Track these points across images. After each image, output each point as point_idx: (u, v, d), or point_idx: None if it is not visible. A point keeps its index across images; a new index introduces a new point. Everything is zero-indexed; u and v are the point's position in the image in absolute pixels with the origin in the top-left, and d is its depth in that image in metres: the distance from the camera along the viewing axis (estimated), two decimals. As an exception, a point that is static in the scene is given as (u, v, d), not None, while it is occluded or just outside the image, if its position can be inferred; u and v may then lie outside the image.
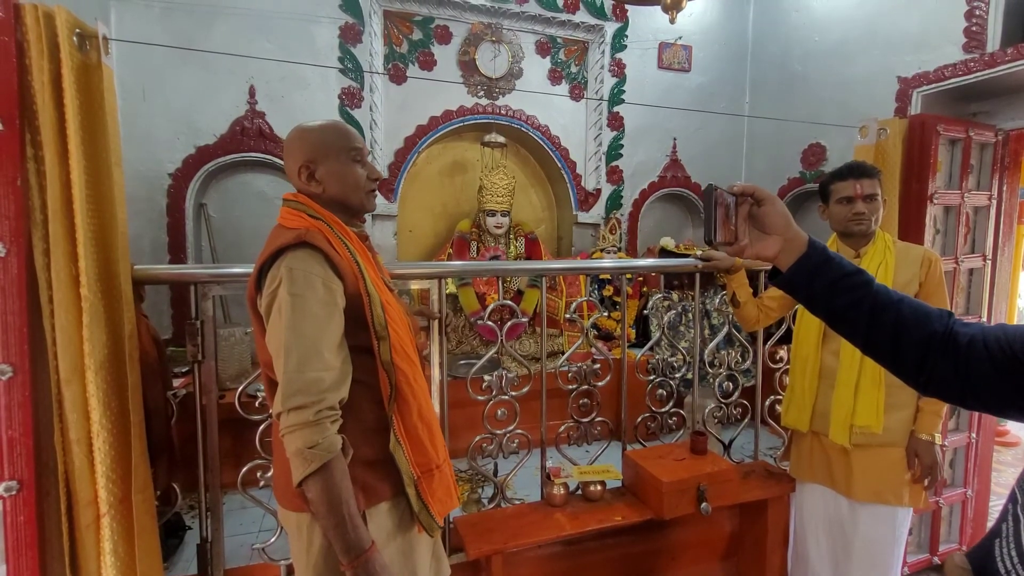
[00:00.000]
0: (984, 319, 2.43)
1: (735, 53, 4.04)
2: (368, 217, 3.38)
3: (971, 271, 2.43)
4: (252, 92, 3.09)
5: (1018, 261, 3.43)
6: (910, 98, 2.62)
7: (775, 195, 0.72)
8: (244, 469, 1.51)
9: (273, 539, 1.52)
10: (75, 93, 1.18)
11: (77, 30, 1.20)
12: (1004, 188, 2.44)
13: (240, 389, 1.55)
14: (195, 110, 3.01)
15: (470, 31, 3.50)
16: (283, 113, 3.13)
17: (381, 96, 3.36)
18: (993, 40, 2.31)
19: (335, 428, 0.92)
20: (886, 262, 1.57)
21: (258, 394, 1.42)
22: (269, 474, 1.20)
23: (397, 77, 3.40)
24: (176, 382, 2.31)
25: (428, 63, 3.46)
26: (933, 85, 2.52)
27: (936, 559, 2.37)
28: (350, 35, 3.23)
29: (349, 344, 0.99)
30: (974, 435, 2.41)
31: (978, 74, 2.31)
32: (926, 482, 1.57)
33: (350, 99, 3.27)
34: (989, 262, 2.42)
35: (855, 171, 1.58)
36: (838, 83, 3.20)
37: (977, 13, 2.37)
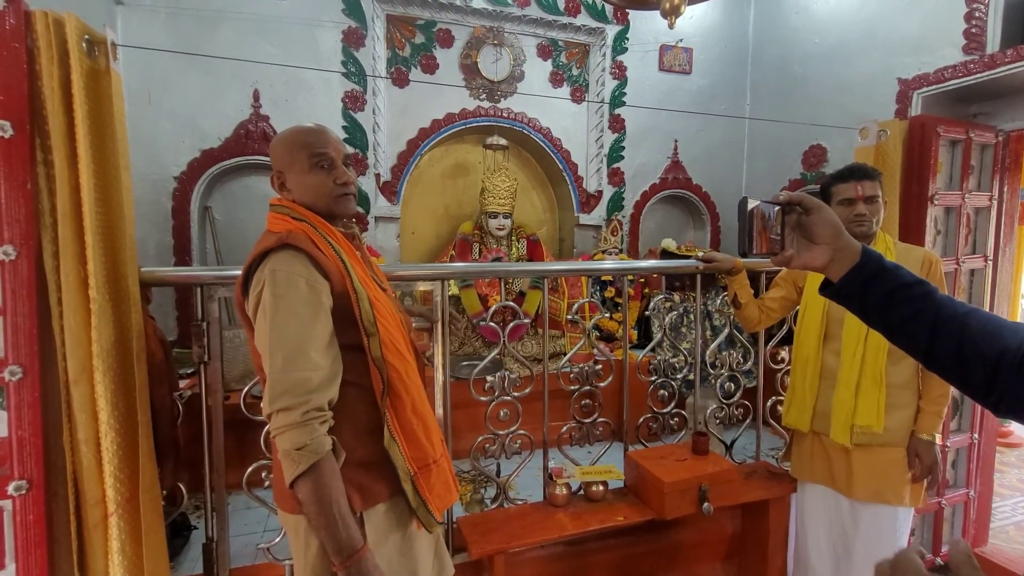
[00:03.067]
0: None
1: (736, 55, 4.05)
2: (371, 219, 3.40)
3: (972, 272, 2.43)
4: (256, 96, 3.11)
5: (1019, 262, 3.43)
6: (910, 100, 2.63)
7: (825, 204, 0.70)
8: (249, 469, 1.52)
9: (278, 539, 1.53)
10: (84, 98, 1.20)
11: (86, 36, 1.22)
12: (1005, 189, 2.45)
13: (245, 390, 1.57)
14: (200, 114, 3.04)
15: (472, 35, 3.52)
16: (287, 116, 3.15)
17: (384, 99, 3.38)
18: (992, 41, 2.32)
19: (324, 429, 0.92)
20: (887, 263, 1.57)
21: (262, 395, 1.43)
22: (272, 474, 1.22)
23: (399, 80, 3.42)
24: (182, 383, 2.32)
25: (430, 66, 3.48)
26: (933, 87, 2.53)
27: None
28: (353, 39, 3.25)
29: (340, 343, 0.99)
30: (976, 436, 2.41)
31: (978, 75, 2.32)
32: (926, 482, 1.58)
33: (353, 102, 3.30)
34: (990, 263, 2.42)
35: (856, 173, 1.59)
36: (838, 85, 3.21)
37: (976, 15, 2.38)
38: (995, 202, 2.42)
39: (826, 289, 0.72)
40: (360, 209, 3.34)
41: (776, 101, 3.78)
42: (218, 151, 3.07)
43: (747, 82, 4.09)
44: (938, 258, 1.60)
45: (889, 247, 1.61)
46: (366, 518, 1.00)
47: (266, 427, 1.51)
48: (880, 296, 0.66)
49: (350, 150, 2.98)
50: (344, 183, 1.08)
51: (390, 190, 3.46)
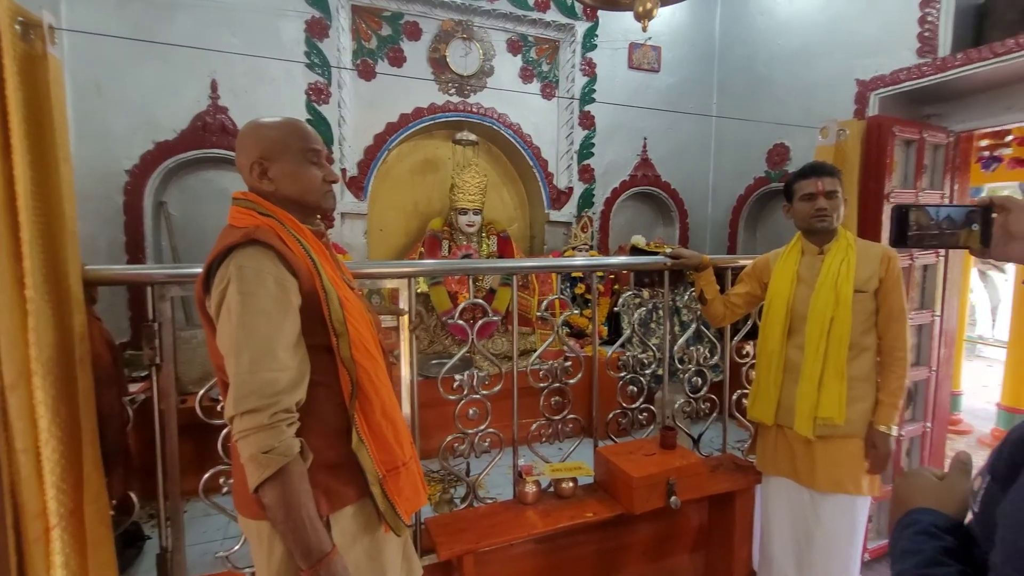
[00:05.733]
0: (938, 313, 2.53)
1: (703, 54, 4.11)
2: (337, 216, 3.32)
3: (925, 267, 2.53)
4: (214, 86, 2.99)
5: (968, 258, 3.60)
6: (868, 100, 2.72)
7: (1022, 203, 0.80)
8: (206, 475, 1.46)
9: (238, 546, 1.48)
10: (18, 84, 1.12)
11: (20, 18, 1.14)
12: (955, 188, 2.56)
13: (201, 393, 1.50)
14: (154, 105, 2.90)
15: (440, 28, 3.47)
16: (247, 108, 3.04)
17: (350, 92, 3.30)
18: (944, 45, 2.41)
19: (292, 431, 0.90)
20: (848, 259, 1.62)
21: (220, 397, 1.38)
22: (232, 480, 1.17)
23: (366, 73, 3.35)
24: (135, 387, 2.22)
25: (398, 59, 3.41)
26: (889, 88, 2.61)
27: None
28: (317, 29, 3.16)
29: (307, 343, 0.96)
30: (928, 424, 2.52)
31: (931, 78, 2.41)
32: (879, 470, 1.63)
33: (317, 95, 3.21)
34: (941, 259, 2.53)
35: (816, 170, 1.63)
36: (801, 85, 3.29)
37: (929, 19, 2.47)
38: (946, 200, 2.52)
39: None
40: (326, 205, 3.25)
41: (742, 100, 3.85)
42: (173, 144, 2.94)
43: (714, 81, 4.16)
44: (896, 254, 1.66)
45: (850, 243, 1.65)
46: (333, 522, 0.99)
47: (225, 431, 1.47)
48: None
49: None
50: (333, 181, 1.09)
51: (357, 186, 3.39)
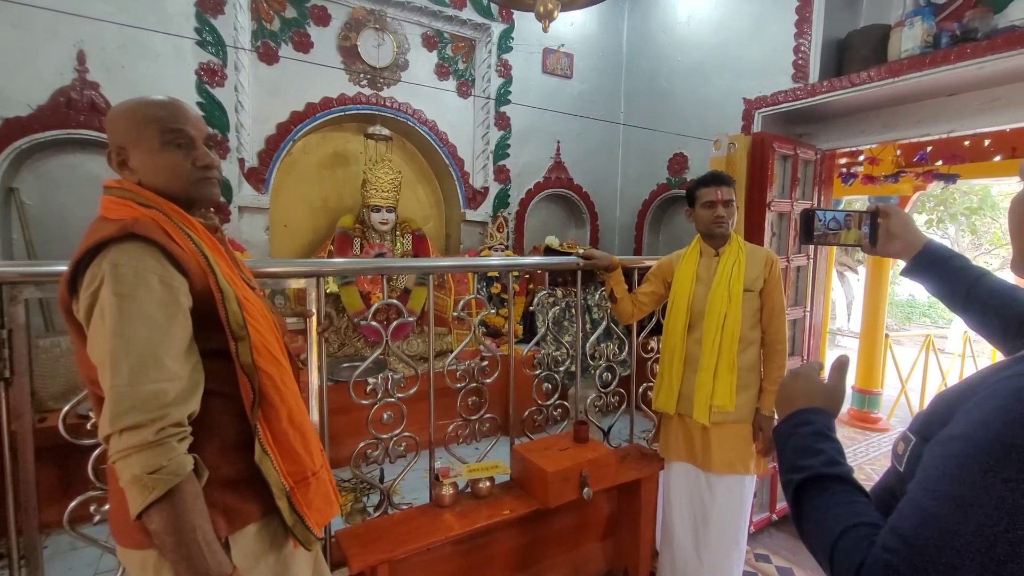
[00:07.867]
0: (808, 309, 2.87)
1: (612, 65, 4.31)
2: (234, 209, 3.06)
3: (798, 268, 2.85)
4: (82, 58, 2.62)
5: (831, 260, 4.11)
6: (753, 118, 3.00)
7: (900, 210, 0.95)
8: (73, 503, 1.27)
9: (114, 581, 1.31)
10: None
11: None
12: (822, 199, 2.91)
13: (66, 409, 1.30)
14: (1, 74, 2.48)
15: (351, 15, 3.32)
16: (124, 86, 2.69)
17: (248, 76, 3.05)
18: (814, 73, 2.73)
19: (184, 447, 0.81)
20: (739, 261, 1.78)
21: (90, 414, 1.20)
22: (106, 507, 1.03)
23: (268, 56, 3.11)
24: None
25: (304, 45, 3.21)
26: (770, 108, 2.91)
27: (775, 516, 2.76)
28: (209, 4, 2.88)
29: (200, 349, 0.87)
30: (802, 408, 2.84)
31: (803, 101, 2.71)
32: (768, 452, 1.82)
33: (210, 76, 2.92)
34: (811, 261, 2.86)
35: (716, 179, 1.78)
36: (697, 100, 3.56)
37: (802, 49, 2.78)
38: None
39: (903, 271, 0.94)
40: (221, 198, 2.98)
41: (646, 110, 4.09)
42: (29, 121, 2.53)
43: (622, 91, 4.37)
44: (776, 257, 1.85)
45: (741, 247, 1.82)
46: (233, 543, 0.91)
47: (97, 451, 1.29)
48: (937, 275, 0.89)
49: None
50: (206, 165, 0.96)
51: (257, 177, 3.14)
